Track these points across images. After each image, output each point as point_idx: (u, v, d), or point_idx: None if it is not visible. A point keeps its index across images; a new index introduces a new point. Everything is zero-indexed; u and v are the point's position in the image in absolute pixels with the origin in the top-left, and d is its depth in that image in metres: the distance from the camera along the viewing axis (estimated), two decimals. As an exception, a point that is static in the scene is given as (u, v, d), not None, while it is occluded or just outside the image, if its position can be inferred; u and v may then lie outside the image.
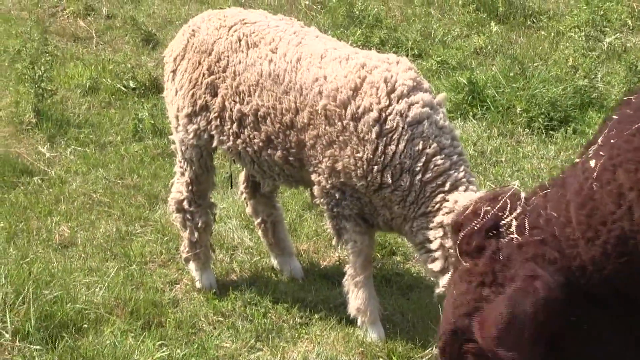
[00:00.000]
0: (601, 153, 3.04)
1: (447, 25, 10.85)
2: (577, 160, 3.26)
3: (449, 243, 4.99)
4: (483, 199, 3.31)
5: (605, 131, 3.13)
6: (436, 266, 5.10)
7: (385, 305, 5.86)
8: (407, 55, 9.42)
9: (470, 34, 10.65)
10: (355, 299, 5.57)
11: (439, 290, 5.12)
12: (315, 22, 10.78)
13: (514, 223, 3.09)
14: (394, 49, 9.84)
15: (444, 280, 5.03)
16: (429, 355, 5.33)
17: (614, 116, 3.19)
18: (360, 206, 5.37)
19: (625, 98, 3.27)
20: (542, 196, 3.18)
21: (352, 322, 5.65)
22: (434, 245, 5.08)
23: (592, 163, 3.03)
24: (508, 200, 3.17)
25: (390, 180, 5.14)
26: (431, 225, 5.09)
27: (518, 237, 3.08)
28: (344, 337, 5.60)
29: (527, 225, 3.09)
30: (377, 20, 10.80)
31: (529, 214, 3.12)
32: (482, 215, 3.13)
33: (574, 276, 3.00)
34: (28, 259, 6.07)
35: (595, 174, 3.01)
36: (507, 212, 3.12)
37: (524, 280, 2.99)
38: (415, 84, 5.26)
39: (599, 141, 3.11)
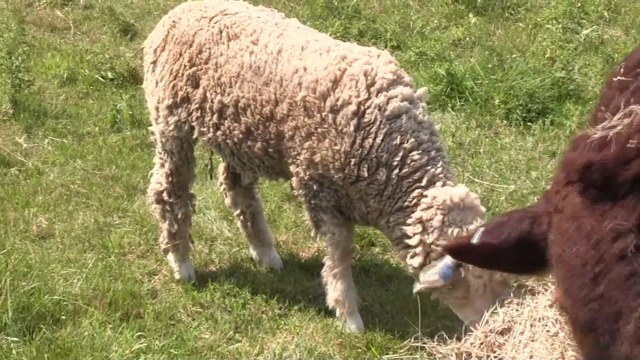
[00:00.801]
0: None
1: (425, 17, 10.86)
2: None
3: (429, 239, 5.02)
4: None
5: None
6: (416, 262, 5.10)
7: (363, 296, 5.88)
8: (385, 47, 9.44)
9: (448, 25, 10.66)
10: (334, 290, 5.59)
11: (420, 286, 5.12)
12: (294, 13, 10.76)
13: None
14: (372, 41, 9.84)
15: (423, 276, 5.04)
16: (408, 346, 5.35)
17: None
18: (337, 198, 5.38)
19: None
20: None
21: (330, 313, 5.67)
22: (413, 242, 5.09)
23: None
24: None
25: (366, 174, 5.15)
26: (409, 221, 5.10)
27: None
28: (322, 328, 5.62)
29: None
30: (356, 12, 10.80)
31: None
32: None
33: None
34: (5, 251, 6.05)
35: None
36: None
37: None
38: (395, 77, 5.26)
39: None
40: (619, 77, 2.51)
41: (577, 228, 2.23)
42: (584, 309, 2.19)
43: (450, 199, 5.00)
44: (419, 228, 5.06)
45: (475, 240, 2.45)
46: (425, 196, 5.07)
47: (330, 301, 5.62)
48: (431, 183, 5.10)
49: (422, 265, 5.07)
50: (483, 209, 5.14)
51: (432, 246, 5.01)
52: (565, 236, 2.28)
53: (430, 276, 4.95)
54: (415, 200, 5.09)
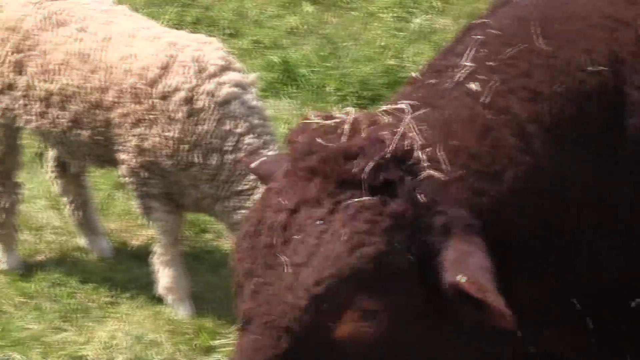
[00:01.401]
0: (482, 77, 2.61)
1: (261, 5, 10.92)
2: (419, 75, 2.77)
3: None
4: (368, 121, 2.57)
5: (470, 52, 2.67)
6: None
7: (195, 283, 5.90)
8: (221, 35, 9.44)
9: (284, 13, 10.75)
10: (164, 277, 5.61)
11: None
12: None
13: (425, 154, 2.46)
14: (209, 28, 9.82)
15: None
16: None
17: (474, 36, 2.74)
18: (167, 185, 5.40)
19: (481, 20, 2.83)
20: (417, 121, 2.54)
21: (161, 300, 5.68)
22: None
23: (475, 86, 2.60)
24: (403, 127, 2.51)
25: (198, 160, 5.20)
26: (249, 204, 5.17)
27: (436, 173, 2.44)
28: (152, 316, 5.62)
29: (443, 157, 2.47)
30: (191, -1, 10.75)
31: (437, 143, 2.49)
32: (387, 143, 2.44)
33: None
34: None
35: (485, 99, 2.58)
36: (408, 140, 2.47)
37: (464, 231, 2.41)
38: (225, 63, 5.34)
39: (467, 62, 2.64)
40: (416, 74, 2.82)
41: (268, 186, 2.57)
42: (236, 253, 2.52)
43: None
44: None
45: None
46: None
47: (160, 289, 5.64)
48: None
49: None
50: None
51: None
52: (264, 185, 2.64)
53: None
54: (253, 184, 5.17)
